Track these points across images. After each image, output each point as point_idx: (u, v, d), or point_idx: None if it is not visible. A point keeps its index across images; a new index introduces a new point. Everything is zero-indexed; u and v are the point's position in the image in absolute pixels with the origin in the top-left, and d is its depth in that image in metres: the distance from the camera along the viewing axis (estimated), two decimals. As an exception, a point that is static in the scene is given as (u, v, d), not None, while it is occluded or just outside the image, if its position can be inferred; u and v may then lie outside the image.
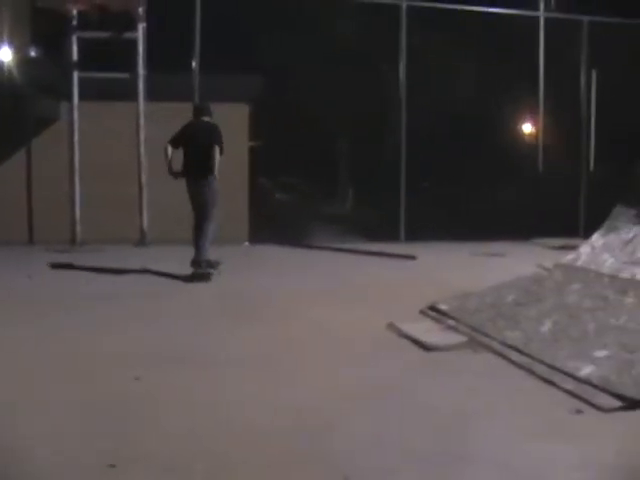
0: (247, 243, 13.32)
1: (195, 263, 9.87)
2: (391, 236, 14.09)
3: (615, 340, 5.97)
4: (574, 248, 9.09)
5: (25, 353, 6.30)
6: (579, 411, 4.91)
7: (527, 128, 18.04)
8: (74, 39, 13.03)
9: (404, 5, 14.36)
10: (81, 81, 13.07)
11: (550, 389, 5.41)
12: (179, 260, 10.12)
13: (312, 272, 10.79)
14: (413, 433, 4.59)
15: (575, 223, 14.65)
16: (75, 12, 12.91)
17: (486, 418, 4.83)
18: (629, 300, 6.90)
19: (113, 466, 3.99)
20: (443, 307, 7.68)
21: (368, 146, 15.83)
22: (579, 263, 8.37)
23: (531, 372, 5.77)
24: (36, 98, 12.64)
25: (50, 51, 13.50)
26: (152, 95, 13.05)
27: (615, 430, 4.62)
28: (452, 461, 4.18)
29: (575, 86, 15.60)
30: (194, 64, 13.33)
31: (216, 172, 9.86)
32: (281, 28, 14.41)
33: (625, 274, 7.55)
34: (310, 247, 13.24)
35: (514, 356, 6.16)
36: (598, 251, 8.31)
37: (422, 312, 7.77)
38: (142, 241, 13.11)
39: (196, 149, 9.99)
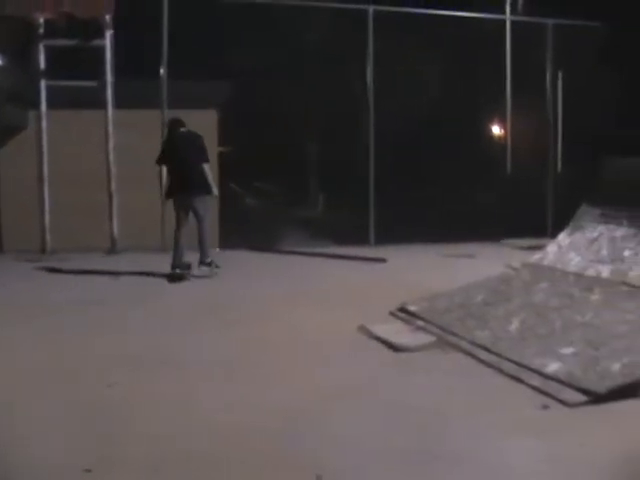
0: (218, 249, 13.31)
1: (203, 263, 10.52)
2: (361, 240, 14.15)
3: (581, 337, 6.08)
4: (542, 248, 9.20)
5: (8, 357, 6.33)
6: (546, 406, 5.00)
7: (495, 130, 18.19)
8: (41, 47, 12.98)
9: (371, 10, 14.43)
10: (49, 89, 13.03)
11: (518, 386, 5.50)
12: (151, 266, 10.15)
13: (283, 276, 10.82)
14: (385, 432, 4.65)
15: (543, 224, 14.77)
16: (42, 20, 12.86)
17: (456, 416, 4.91)
18: (594, 297, 7.02)
19: (89, 471, 4.02)
20: (413, 308, 7.75)
21: (337, 150, 15.88)
22: (546, 262, 8.48)
23: (499, 370, 5.85)
24: (3, 106, 12.57)
25: (17, 59, 13.43)
26: (120, 102, 13.03)
27: (580, 424, 4.72)
28: (424, 459, 4.25)
29: (542, 88, 15.75)
30: (162, 71, 13.31)
31: (215, 190, 10.43)
32: (249, 33, 14.44)
33: (591, 272, 7.67)
34: (281, 252, 13.27)
35: (483, 355, 6.24)
36: (564, 250, 8.42)
37: (392, 314, 7.84)
38: (113, 249, 13.08)
39: (182, 163, 10.21)
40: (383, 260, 12.01)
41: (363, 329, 7.22)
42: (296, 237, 14.28)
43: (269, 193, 16.46)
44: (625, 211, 8.08)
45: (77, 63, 12.60)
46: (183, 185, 10.24)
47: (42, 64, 13.06)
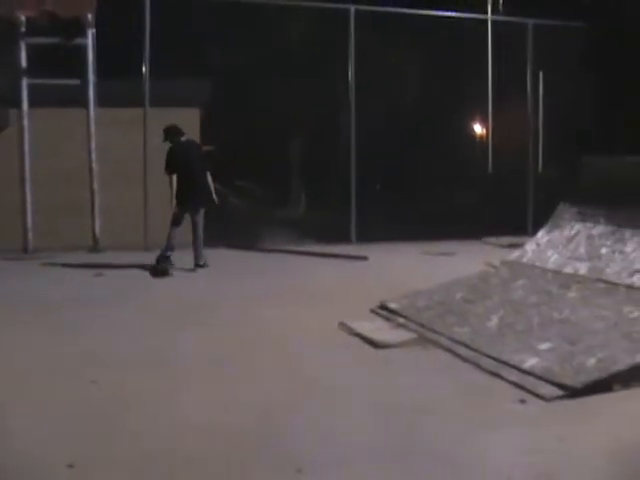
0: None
1: (198, 265, 10.91)
2: (343, 238, 14.20)
3: (558, 333, 6.17)
4: (522, 246, 9.29)
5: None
6: (523, 401, 5.08)
7: (477, 129, 18.29)
8: (23, 45, 12.94)
9: (352, 9, 14.49)
10: (31, 87, 12.99)
11: (496, 381, 5.59)
12: (135, 265, 10.20)
13: (265, 275, 10.86)
14: (365, 429, 4.72)
15: (524, 222, 14.87)
16: (24, 18, 12.82)
17: (434, 411, 4.98)
18: (571, 294, 7.12)
19: (71, 466, 4.06)
20: (393, 306, 7.82)
21: (320, 149, 15.92)
22: (525, 260, 8.58)
23: (478, 366, 5.94)
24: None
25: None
26: (102, 101, 13.01)
27: (558, 418, 4.81)
28: (401, 454, 4.32)
29: (523, 88, 15.85)
30: (144, 69, 13.32)
31: (215, 198, 11.00)
32: (231, 32, 14.44)
33: (568, 269, 7.79)
34: (263, 250, 13.31)
35: (462, 351, 6.32)
36: (543, 248, 8.52)
37: (373, 311, 7.91)
38: (95, 247, 13.07)
39: (189, 173, 10.66)
40: (364, 258, 12.07)
41: (344, 326, 7.28)
42: (278, 235, 14.30)
43: (251, 192, 16.46)
44: (602, 209, 8.20)
45: (59, 62, 12.58)
46: (192, 195, 10.71)
47: (24, 62, 13.02)
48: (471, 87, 16.23)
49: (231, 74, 14.58)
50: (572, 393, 5.10)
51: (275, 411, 5.01)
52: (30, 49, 12.94)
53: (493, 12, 16.80)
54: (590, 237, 8.08)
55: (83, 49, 13.08)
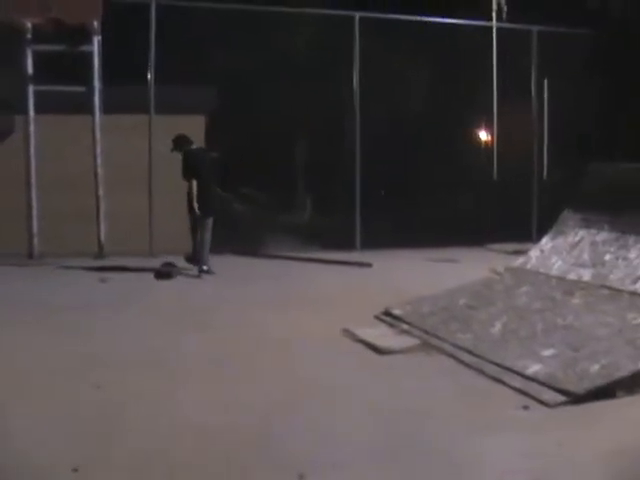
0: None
1: (202, 271, 11.02)
2: (348, 245, 14.21)
3: (561, 339, 6.18)
4: (526, 252, 9.29)
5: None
6: (526, 407, 5.09)
7: (481, 136, 18.27)
8: (29, 52, 12.99)
9: (357, 16, 14.52)
10: (36, 94, 13.04)
11: (499, 387, 5.59)
12: (140, 270, 10.26)
13: (269, 280, 10.87)
14: (367, 431, 4.73)
15: (528, 229, 14.86)
16: (30, 25, 12.88)
17: (438, 416, 4.99)
18: (575, 301, 7.13)
19: (75, 470, 4.08)
20: (397, 312, 7.83)
21: (325, 155, 15.93)
22: (529, 266, 8.58)
23: (481, 372, 5.95)
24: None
25: (4, 64, 13.42)
26: (108, 108, 13.05)
27: (560, 424, 4.81)
28: (405, 457, 4.33)
29: (528, 94, 15.86)
30: (149, 76, 13.36)
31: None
32: (236, 39, 14.47)
33: (572, 276, 7.79)
34: (268, 257, 13.32)
35: (465, 357, 6.33)
36: (547, 254, 8.52)
37: (377, 317, 7.92)
38: (100, 253, 13.09)
39: (205, 181, 10.90)
40: (369, 265, 12.08)
41: (348, 332, 7.29)
42: (283, 242, 14.32)
43: (256, 198, 16.47)
44: (606, 216, 8.19)
45: (65, 69, 12.62)
46: (209, 202, 10.98)
47: (30, 69, 13.07)
48: (476, 93, 16.23)
49: (237, 81, 14.59)
50: (575, 399, 5.11)
51: (279, 414, 5.03)
52: (36, 56, 12.99)
53: (497, 19, 16.80)
54: (594, 244, 8.08)
55: (89, 56, 13.12)
